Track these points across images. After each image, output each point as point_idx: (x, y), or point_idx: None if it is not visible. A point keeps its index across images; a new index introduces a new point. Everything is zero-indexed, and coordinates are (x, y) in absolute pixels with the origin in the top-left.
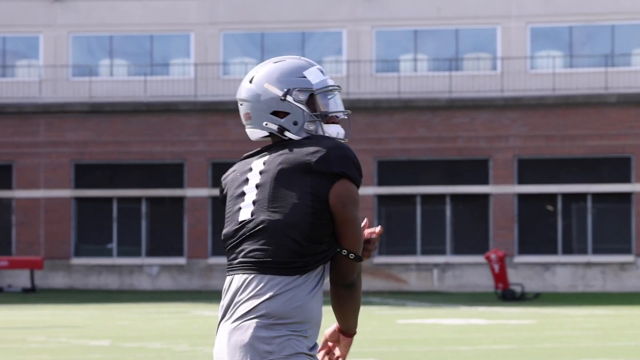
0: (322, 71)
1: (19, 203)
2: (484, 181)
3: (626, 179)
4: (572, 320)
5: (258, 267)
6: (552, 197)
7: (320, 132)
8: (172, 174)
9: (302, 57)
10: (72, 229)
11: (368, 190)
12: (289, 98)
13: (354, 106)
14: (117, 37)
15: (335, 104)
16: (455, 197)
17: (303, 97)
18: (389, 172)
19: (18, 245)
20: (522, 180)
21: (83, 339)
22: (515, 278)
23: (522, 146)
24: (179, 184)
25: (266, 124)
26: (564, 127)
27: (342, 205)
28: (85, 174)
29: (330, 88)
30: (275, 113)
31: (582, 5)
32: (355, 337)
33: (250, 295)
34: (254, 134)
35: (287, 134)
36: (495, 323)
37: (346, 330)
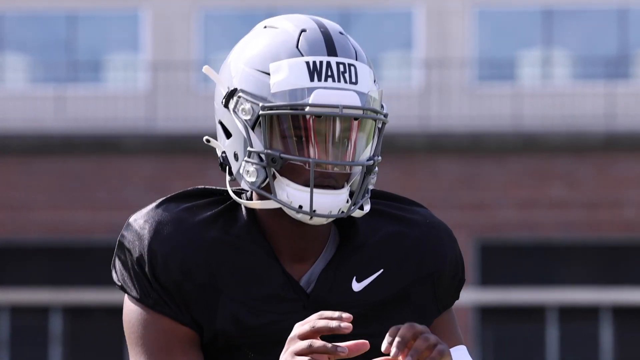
0: (318, 70)
1: None
2: None
3: None
4: None
5: None
6: None
7: (270, 191)
8: None
9: (319, 29)
10: None
11: None
12: (230, 105)
13: None
14: None
15: (303, 144)
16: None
17: (247, 110)
18: None
19: None
20: None
21: None
22: None
23: None
24: None
25: (207, 140)
26: None
27: None
28: None
29: (304, 109)
30: (222, 124)
31: None
32: None
33: None
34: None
35: (226, 175)
36: None
37: None
